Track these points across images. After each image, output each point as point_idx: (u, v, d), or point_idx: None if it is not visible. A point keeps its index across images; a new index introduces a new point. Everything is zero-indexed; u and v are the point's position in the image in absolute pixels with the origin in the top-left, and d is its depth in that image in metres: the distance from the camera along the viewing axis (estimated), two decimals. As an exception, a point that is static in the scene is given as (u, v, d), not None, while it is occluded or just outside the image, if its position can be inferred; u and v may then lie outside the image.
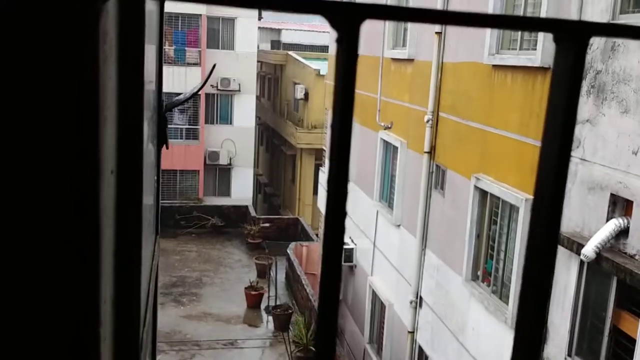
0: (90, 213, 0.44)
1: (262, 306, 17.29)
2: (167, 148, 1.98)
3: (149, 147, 1.45)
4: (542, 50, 7.37)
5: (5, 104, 0.41)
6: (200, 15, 25.02)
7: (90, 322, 0.46)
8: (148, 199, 1.48)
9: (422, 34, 11.17)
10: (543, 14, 7.34)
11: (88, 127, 0.41)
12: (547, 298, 0.48)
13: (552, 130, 0.37)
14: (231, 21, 26.00)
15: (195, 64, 25.01)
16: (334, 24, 0.36)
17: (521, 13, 8.15)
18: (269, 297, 17.22)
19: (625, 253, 5.98)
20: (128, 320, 0.82)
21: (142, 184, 1.00)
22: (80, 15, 0.39)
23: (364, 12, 0.35)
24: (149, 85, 1.44)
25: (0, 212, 0.43)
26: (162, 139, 1.84)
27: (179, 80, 23.40)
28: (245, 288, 17.43)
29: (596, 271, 6.44)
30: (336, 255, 0.46)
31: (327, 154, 17.94)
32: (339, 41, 0.37)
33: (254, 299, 17.23)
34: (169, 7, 22.02)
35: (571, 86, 0.37)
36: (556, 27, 0.37)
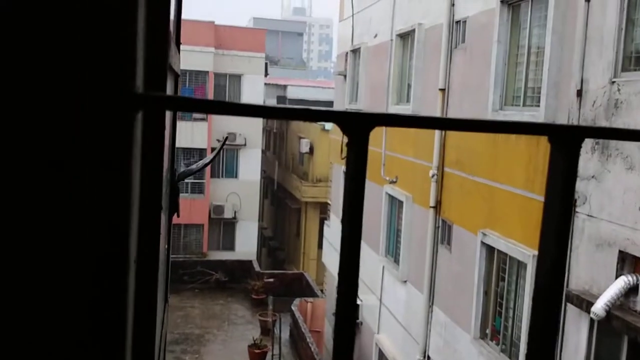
0: (118, 305, 0.47)
1: (266, 365, 16.94)
2: (179, 217, 2.02)
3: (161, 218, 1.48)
4: (545, 106, 7.47)
5: (49, 202, 0.46)
6: (208, 72, 25.58)
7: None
8: (160, 269, 1.50)
9: (426, 90, 11.37)
10: (545, 74, 7.49)
11: (121, 222, 0.45)
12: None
13: (549, 230, 0.39)
14: (237, 77, 26.55)
15: (202, 119, 25.40)
16: (345, 130, 0.39)
17: (523, 73, 8.31)
18: (272, 355, 16.87)
19: (636, 311, 5.89)
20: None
21: (158, 271, 1.03)
22: (120, 123, 0.44)
23: (372, 121, 0.38)
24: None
25: (32, 305, 0.46)
26: (173, 209, 1.88)
27: (186, 135, 23.72)
28: (249, 346, 17.11)
29: (607, 330, 6.32)
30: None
31: (331, 209, 17.94)
32: (349, 145, 0.40)
33: (257, 358, 16.88)
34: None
35: (565, 184, 0.39)
36: (551, 130, 0.40)
